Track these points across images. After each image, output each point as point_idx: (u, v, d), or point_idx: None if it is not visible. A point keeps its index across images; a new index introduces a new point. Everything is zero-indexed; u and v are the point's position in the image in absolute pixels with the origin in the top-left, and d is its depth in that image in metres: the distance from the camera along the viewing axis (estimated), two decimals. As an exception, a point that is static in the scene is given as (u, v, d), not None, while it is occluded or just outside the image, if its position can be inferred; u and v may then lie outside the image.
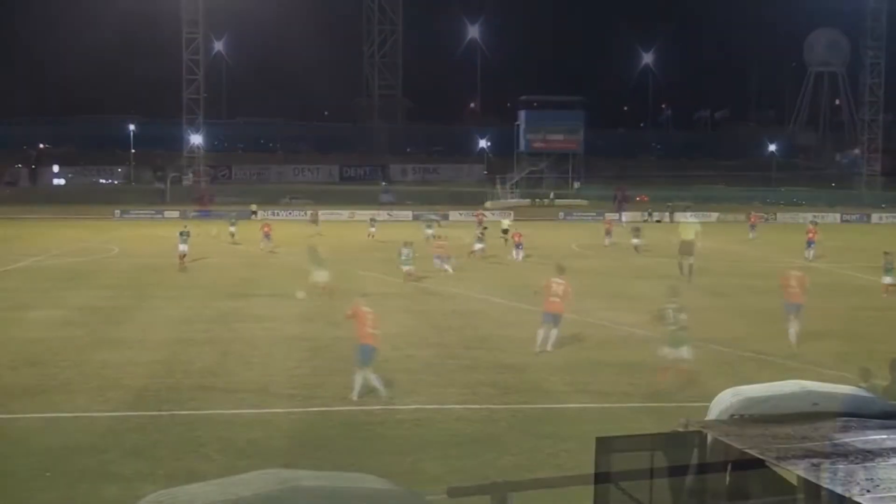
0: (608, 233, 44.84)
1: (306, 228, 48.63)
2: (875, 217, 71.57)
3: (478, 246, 37.68)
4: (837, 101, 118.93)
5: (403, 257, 30.11)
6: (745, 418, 4.99)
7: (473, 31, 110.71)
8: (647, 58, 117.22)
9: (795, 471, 4.28)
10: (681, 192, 76.36)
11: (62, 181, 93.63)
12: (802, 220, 58.17)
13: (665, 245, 38.70)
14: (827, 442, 4.52)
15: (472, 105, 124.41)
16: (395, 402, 15.16)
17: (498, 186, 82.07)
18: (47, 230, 51.77)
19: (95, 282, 30.36)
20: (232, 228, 44.71)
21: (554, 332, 19.23)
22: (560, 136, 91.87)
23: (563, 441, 13.01)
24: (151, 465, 12.06)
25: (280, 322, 22.80)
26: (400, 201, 76.17)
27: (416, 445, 13.08)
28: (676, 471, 4.94)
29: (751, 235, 50.42)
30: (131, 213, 66.33)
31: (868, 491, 3.90)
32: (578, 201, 79.91)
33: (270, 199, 71.64)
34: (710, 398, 5.37)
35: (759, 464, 4.55)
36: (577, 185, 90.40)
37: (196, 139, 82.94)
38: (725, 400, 5.16)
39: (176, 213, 63.53)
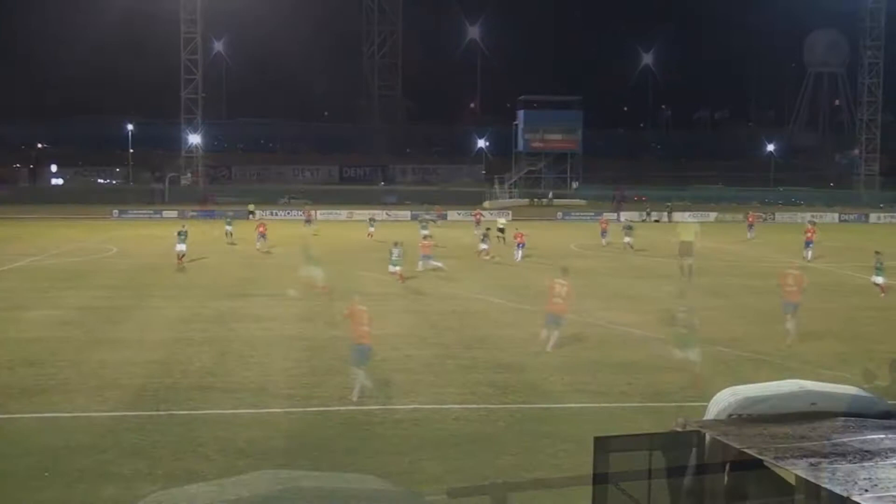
0: (604, 232, 44.84)
1: (302, 228, 48.60)
2: (873, 217, 71.63)
3: (483, 246, 37.94)
4: (837, 102, 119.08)
5: (395, 257, 30.10)
6: (743, 418, 4.98)
7: (473, 32, 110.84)
8: (647, 58, 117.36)
9: (794, 470, 4.28)
10: (680, 192, 76.36)
11: (60, 181, 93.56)
12: (801, 220, 58.14)
13: (663, 245, 38.71)
14: (825, 442, 4.52)
15: (471, 105, 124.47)
16: (394, 402, 15.18)
17: (496, 186, 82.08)
18: (46, 230, 51.73)
19: (94, 282, 30.35)
20: (228, 228, 44.72)
21: (555, 333, 19.27)
22: (558, 136, 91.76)
23: (562, 441, 13.02)
24: (150, 465, 12.06)
25: (278, 322, 22.80)
26: (399, 201, 76.21)
27: (415, 445, 13.09)
28: (675, 471, 4.93)
29: (749, 235, 50.41)
30: (130, 213, 66.35)
31: (867, 490, 3.89)
32: (577, 201, 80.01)
33: (270, 200, 71.65)
34: (708, 398, 5.37)
35: (757, 464, 4.55)
36: (575, 185, 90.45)
37: (194, 139, 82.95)
38: (724, 400, 5.15)
39: (174, 214, 63.55)
